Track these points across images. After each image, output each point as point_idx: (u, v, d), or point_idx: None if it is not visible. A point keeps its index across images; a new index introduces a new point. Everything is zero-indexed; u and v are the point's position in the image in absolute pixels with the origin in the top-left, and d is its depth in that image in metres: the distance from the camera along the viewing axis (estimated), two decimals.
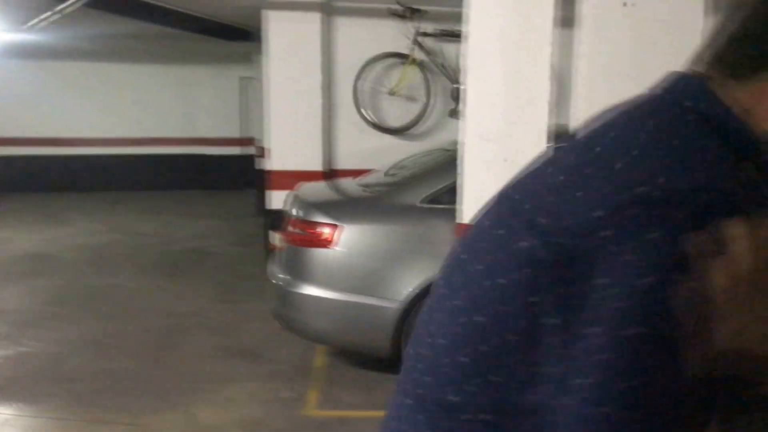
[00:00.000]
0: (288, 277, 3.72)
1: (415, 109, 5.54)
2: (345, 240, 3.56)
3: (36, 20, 6.05)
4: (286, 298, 3.71)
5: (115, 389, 3.68)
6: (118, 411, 3.40)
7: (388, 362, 3.66)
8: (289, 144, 5.48)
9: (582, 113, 2.49)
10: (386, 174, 4.35)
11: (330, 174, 5.57)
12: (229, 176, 12.25)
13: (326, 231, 3.59)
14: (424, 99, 5.49)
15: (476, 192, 2.84)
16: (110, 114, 12.17)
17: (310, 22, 5.39)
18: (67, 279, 6.09)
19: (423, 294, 3.42)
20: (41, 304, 5.32)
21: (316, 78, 5.42)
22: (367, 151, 5.63)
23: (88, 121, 12.13)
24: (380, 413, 2.79)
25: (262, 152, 9.34)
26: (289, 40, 5.39)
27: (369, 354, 3.76)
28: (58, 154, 12.03)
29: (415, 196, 3.59)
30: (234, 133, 12.34)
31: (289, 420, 3.31)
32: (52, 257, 6.97)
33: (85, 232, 8.40)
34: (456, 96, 5.48)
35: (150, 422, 3.27)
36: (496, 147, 2.81)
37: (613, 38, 2.45)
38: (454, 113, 5.54)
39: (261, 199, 9.26)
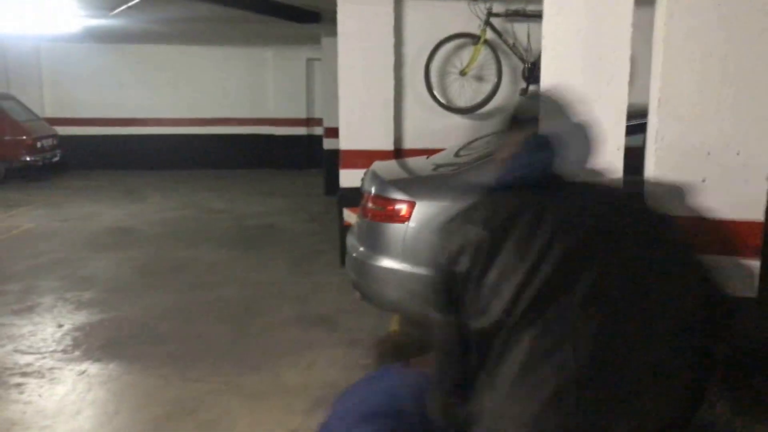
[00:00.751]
0: (366, 250, 3.90)
1: (485, 89, 5.60)
2: (421, 216, 3.70)
3: (124, 6, 6.37)
4: (364, 270, 3.89)
5: (205, 351, 3.96)
6: (210, 371, 3.68)
7: None
8: (361, 124, 5.64)
9: (660, 93, 2.54)
10: (456, 154, 4.46)
11: (399, 153, 5.72)
12: (295, 156, 12.57)
13: (403, 207, 3.74)
14: (494, 79, 5.55)
15: None
16: (182, 95, 12.66)
17: (382, 4, 5.50)
18: (150, 250, 6.47)
19: None
20: (130, 273, 5.70)
21: (388, 59, 5.54)
22: (435, 131, 5.74)
23: (161, 101, 12.65)
24: None
25: (329, 132, 9.57)
26: (361, 21, 5.52)
27: None
28: (133, 134, 12.61)
29: (491, 174, 3.69)
30: (300, 113, 12.63)
31: None
32: (135, 230, 7.40)
33: (162, 207, 8.84)
34: (527, 76, 5.53)
35: (240, 382, 3.52)
36: None
37: (694, 18, 2.48)
38: (525, 93, 5.59)
39: (328, 178, 9.51)
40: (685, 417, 1.13)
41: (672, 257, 1.20)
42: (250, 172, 12.23)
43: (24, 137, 10.77)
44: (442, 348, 1.21)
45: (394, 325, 4.34)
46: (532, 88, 5.60)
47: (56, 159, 11.58)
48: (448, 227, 1.29)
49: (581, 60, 2.87)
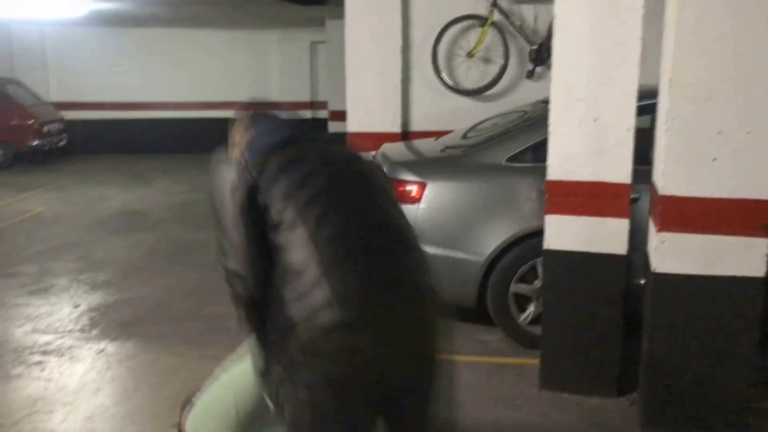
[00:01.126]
0: None
1: (492, 71, 5.63)
2: (431, 197, 3.76)
3: None
4: None
5: (220, 330, 4.03)
6: (226, 349, 3.68)
7: (471, 312, 3.89)
8: (368, 107, 5.66)
9: (671, 74, 2.57)
10: (464, 136, 4.50)
11: (406, 136, 5.75)
12: None
13: (413, 188, 3.79)
14: (501, 61, 5.57)
15: (566, 150, 2.98)
16: (186, 78, 12.67)
17: None
18: (161, 233, 6.54)
19: (506, 249, 3.61)
20: (141, 255, 5.77)
21: (396, 42, 5.56)
22: (442, 113, 5.77)
23: (165, 85, 12.66)
24: (463, 357, 3.12)
25: (334, 116, 9.61)
26: (369, 4, 5.53)
27: (454, 303, 3.98)
28: (139, 118, 12.64)
29: (500, 155, 3.74)
30: (305, 96, 12.62)
31: None
32: (144, 213, 7.47)
33: (170, 191, 8.90)
34: (534, 57, 5.55)
35: None
36: (586, 106, 2.93)
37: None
38: (531, 74, 5.61)
39: None
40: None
41: (372, 168, 1.88)
42: None
43: (30, 122, 10.81)
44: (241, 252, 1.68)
45: None
46: (538, 69, 5.63)
47: (63, 143, 11.63)
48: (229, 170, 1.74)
49: (592, 42, 2.90)
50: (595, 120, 2.91)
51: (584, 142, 2.94)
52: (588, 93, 2.92)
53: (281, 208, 1.64)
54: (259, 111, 1.96)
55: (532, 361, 3.38)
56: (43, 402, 3.19)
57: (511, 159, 3.71)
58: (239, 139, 1.91)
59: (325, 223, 1.64)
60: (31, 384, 3.37)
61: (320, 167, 1.74)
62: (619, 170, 2.94)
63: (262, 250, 1.66)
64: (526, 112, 4.34)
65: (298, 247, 1.62)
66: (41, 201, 8.16)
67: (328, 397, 1.60)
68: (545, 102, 4.01)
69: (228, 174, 1.71)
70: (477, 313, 3.86)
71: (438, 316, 1.75)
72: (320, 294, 1.56)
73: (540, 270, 3.50)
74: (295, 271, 1.62)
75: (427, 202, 3.75)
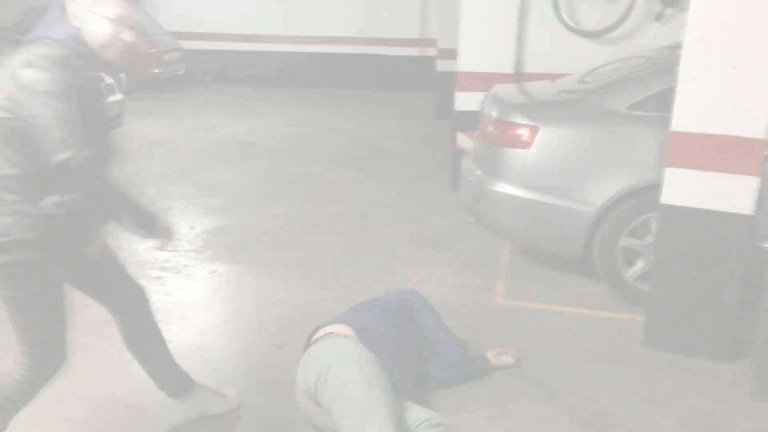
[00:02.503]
0: (483, 174, 3.89)
1: (616, 11, 5.28)
2: (544, 142, 3.63)
3: None
4: (481, 194, 3.91)
5: (323, 262, 4.18)
6: (329, 280, 3.88)
7: (576, 263, 3.80)
8: (481, 45, 5.50)
9: None
10: (582, 80, 4.29)
11: (518, 77, 5.56)
12: (406, 77, 12.45)
13: (525, 132, 3.68)
14: (627, 1, 5.21)
15: (695, 99, 2.78)
16: (297, 13, 12.74)
17: None
18: (269, 164, 6.77)
19: (620, 200, 3.46)
20: (250, 184, 6.01)
21: None
22: (558, 55, 5.50)
23: (277, 19, 12.81)
24: (563, 308, 3.07)
25: (443, 54, 9.39)
26: None
27: (558, 253, 3.90)
28: (251, 50, 12.93)
29: (621, 102, 3.54)
30: (413, 34, 12.39)
31: (479, 304, 3.59)
32: (253, 144, 7.73)
33: (279, 123, 9.14)
34: None
35: (357, 290, 3.67)
36: (723, 52, 2.70)
37: None
38: (660, 17, 5.22)
39: (439, 101, 9.41)
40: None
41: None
42: (360, 92, 12.29)
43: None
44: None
45: (506, 252, 4.37)
46: (668, 11, 5.22)
47: (181, 72, 12.13)
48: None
49: None
50: (732, 68, 2.68)
51: (717, 92, 2.73)
52: (727, 38, 2.68)
53: None
54: None
55: (637, 318, 3.29)
56: (162, 313, 3.40)
57: (634, 106, 3.51)
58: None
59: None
60: (152, 296, 3.64)
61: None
62: (755, 124, 2.72)
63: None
64: (650, 58, 4.07)
65: None
66: (160, 127, 8.62)
67: None
68: (672, 48, 3.74)
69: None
70: (581, 265, 3.77)
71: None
72: None
73: (653, 225, 3.35)
74: None
75: (538, 147, 3.64)
